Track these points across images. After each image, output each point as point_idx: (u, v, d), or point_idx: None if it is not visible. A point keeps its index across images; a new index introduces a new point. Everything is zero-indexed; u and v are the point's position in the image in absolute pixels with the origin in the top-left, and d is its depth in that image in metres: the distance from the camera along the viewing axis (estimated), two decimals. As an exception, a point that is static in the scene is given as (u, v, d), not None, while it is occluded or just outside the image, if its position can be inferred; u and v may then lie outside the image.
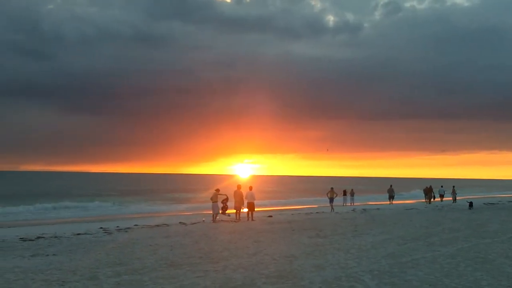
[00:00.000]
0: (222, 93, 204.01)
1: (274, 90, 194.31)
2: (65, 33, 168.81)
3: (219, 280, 10.05)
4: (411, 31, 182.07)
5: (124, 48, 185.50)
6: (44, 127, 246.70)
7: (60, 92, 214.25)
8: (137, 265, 11.99)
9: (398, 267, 11.46)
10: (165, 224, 24.71)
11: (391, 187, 49.94)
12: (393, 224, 22.76)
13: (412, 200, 57.53)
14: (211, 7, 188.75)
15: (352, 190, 48.49)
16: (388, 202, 48.13)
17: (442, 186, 51.86)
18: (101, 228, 23.03)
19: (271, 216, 29.36)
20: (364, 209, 36.20)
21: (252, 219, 26.48)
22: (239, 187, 27.74)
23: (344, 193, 47.54)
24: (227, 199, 27.23)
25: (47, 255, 14.37)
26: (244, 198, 27.34)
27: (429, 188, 49.00)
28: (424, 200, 49.45)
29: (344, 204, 45.96)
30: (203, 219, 26.92)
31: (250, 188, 28.29)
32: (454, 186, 51.73)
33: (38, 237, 19.27)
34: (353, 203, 46.77)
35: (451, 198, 49.31)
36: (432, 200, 48.32)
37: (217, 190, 27.33)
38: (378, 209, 36.81)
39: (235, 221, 25.94)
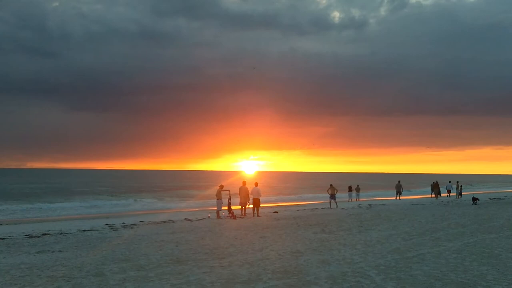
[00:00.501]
0: (228, 89, 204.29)
1: (279, 86, 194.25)
2: (71, 31, 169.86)
3: (225, 276, 10.06)
4: (417, 27, 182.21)
5: (130, 45, 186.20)
6: (50, 124, 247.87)
7: (66, 89, 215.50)
8: (143, 261, 12.00)
9: (404, 262, 11.44)
10: (170, 221, 24.74)
11: (399, 183, 49.85)
12: (399, 219, 22.73)
13: (420, 195, 57.35)
14: (216, 3, 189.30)
15: (357, 186, 48.51)
16: (395, 198, 48.08)
17: (449, 182, 51.78)
18: (107, 224, 23.08)
19: (276, 212, 29.41)
20: (370, 205, 36.20)
21: (258, 215, 26.50)
22: (244, 183, 27.75)
23: (350, 189, 47.58)
24: (229, 197, 27.04)
25: (53, 251, 14.40)
26: (249, 194, 27.36)
27: (436, 184, 48.94)
28: (431, 196, 49.39)
29: (350, 200, 46.00)
30: (209, 215, 26.94)
31: (256, 184, 28.31)
32: (458, 181, 51.67)
33: (44, 234, 19.32)
34: (359, 199, 46.79)
35: (455, 194, 49.26)
36: (439, 195, 48.26)
37: (221, 186, 27.32)
38: (383, 204, 36.77)
39: (240, 217, 25.95)
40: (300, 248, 13.82)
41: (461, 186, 51.05)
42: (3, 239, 17.92)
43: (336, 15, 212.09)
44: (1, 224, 25.70)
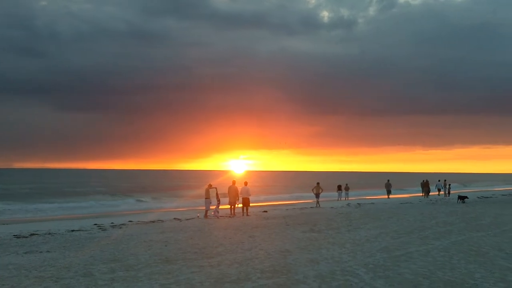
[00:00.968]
0: (217, 89, 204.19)
1: (269, 86, 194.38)
2: (60, 30, 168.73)
3: (214, 275, 10.06)
4: (405, 26, 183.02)
5: (120, 45, 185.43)
6: (39, 124, 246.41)
7: (54, 89, 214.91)
8: (132, 261, 11.97)
9: (392, 260, 11.50)
10: (159, 220, 24.70)
11: (388, 182, 50.09)
12: (387, 218, 22.82)
13: (411, 194, 57.58)
14: (206, 3, 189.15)
15: (346, 185, 48.59)
16: (386, 197, 48.29)
17: (439, 181, 52.03)
18: (96, 224, 22.99)
19: (266, 211, 29.42)
20: (359, 204, 36.32)
21: (247, 214, 26.51)
22: (233, 182, 27.77)
23: (339, 188, 47.71)
24: (217, 196, 26.89)
25: (41, 252, 14.33)
26: (239, 193, 27.36)
27: (426, 182, 49.17)
28: (421, 194, 49.60)
29: (339, 199, 46.15)
30: (198, 214, 26.90)
31: (245, 183, 28.31)
32: (446, 180, 51.96)
33: (32, 234, 19.22)
34: (348, 198, 46.91)
35: (446, 192, 49.53)
36: (429, 194, 48.46)
37: (209, 185, 27.23)
38: (372, 203, 36.89)
39: (229, 216, 25.95)
40: (289, 247, 13.84)
41: (449, 184, 51.40)
42: (-10, 239, 17.83)
43: (325, 14, 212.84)
44: (-11, 225, 25.54)
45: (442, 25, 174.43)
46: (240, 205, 27.40)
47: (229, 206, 27.51)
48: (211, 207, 26.40)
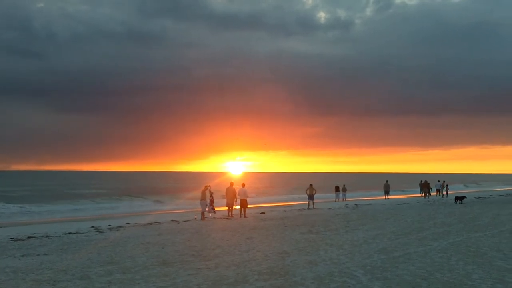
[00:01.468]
0: (215, 90, 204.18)
1: (266, 87, 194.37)
2: (56, 31, 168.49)
3: (211, 278, 10.02)
4: (402, 27, 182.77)
5: (116, 46, 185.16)
6: (36, 126, 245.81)
7: (51, 90, 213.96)
8: (129, 264, 11.93)
9: (390, 262, 11.48)
10: (157, 222, 24.65)
11: (386, 183, 50.23)
12: (385, 219, 22.82)
13: (409, 195, 57.59)
14: (202, 4, 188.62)
15: (344, 186, 48.63)
16: (384, 197, 48.37)
17: (438, 181, 52.05)
18: (93, 227, 22.95)
19: (263, 213, 29.41)
20: (356, 205, 36.35)
21: (245, 216, 26.49)
22: (231, 184, 27.74)
23: (336, 189, 47.75)
24: (211, 197, 26.83)
25: (38, 254, 14.30)
26: (237, 195, 27.34)
27: (425, 183, 49.18)
28: (420, 195, 49.61)
29: (336, 200, 46.19)
30: (195, 216, 26.85)
31: (243, 185, 28.31)
32: (444, 181, 52.04)
33: (29, 237, 19.17)
34: (345, 199, 46.95)
35: (444, 193, 49.61)
36: (428, 195, 48.45)
37: (205, 187, 27.20)
38: (370, 204, 36.94)
39: (227, 218, 25.93)
40: (287, 249, 13.82)
41: (447, 185, 51.45)
42: (-13, 242, 17.78)
43: (322, 15, 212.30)
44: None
45: (439, 25, 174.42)
46: (238, 207, 27.39)
47: (226, 208, 27.47)
48: (206, 209, 26.39)
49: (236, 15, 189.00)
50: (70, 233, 20.27)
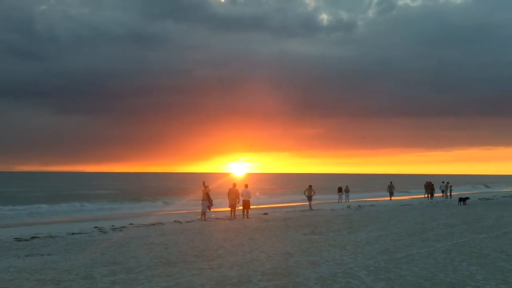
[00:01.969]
0: (217, 92, 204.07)
1: (269, 88, 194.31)
2: (58, 34, 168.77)
3: (214, 278, 10.04)
4: (405, 29, 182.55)
5: (118, 48, 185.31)
6: (38, 127, 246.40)
7: (54, 92, 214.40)
8: (133, 264, 11.95)
9: (393, 262, 11.48)
10: (160, 223, 24.66)
11: (391, 184, 50.21)
12: (388, 220, 22.81)
13: (413, 196, 57.52)
14: (205, 6, 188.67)
15: (347, 187, 48.59)
16: (388, 198, 48.37)
17: (443, 182, 51.96)
18: (96, 227, 22.97)
19: (266, 214, 29.41)
20: (359, 206, 36.28)
21: (248, 217, 26.49)
22: (234, 185, 27.75)
23: (339, 190, 47.70)
24: (209, 197, 26.82)
25: (42, 254, 14.32)
26: (239, 196, 27.34)
27: (430, 184, 49.10)
28: (424, 196, 49.52)
29: (339, 201, 46.12)
30: (198, 217, 26.84)
31: (246, 186, 28.32)
32: (448, 182, 51.96)
33: (33, 237, 19.21)
34: (348, 200, 46.90)
35: (448, 194, 49.55)
36: (432, 196, 48.37)
37: (206, 187, 27.25)
38: (373, 205, 36.89)
39: (230, 219, 25.95)
40: (290, 250, 13.82)
41: (451, 186, 51.40)
42: (-9, 242, 17.82)
43: (324, 17, 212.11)
44: (-11, 228, 25.53)
45: (442, 27, 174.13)
46: (241, 208, 27.39)
47: (229, 209, 27.47)
48: (208, 210, 26.46)
49: (238, 17, 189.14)
50: (73, 234, 20.30)
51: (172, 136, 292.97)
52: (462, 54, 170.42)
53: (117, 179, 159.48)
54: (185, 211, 36.04)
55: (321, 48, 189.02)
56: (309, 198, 34.56)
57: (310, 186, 35.46)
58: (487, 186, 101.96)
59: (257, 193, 57.41)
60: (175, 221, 25.74)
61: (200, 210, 26.70)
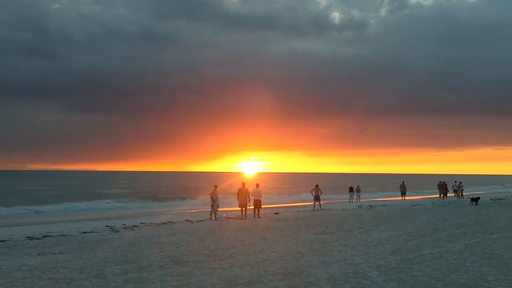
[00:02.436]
0: (228, 91, 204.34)
1: (279, 87, 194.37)
2: (71, 32, 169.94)
3: (226, 277, 10.05)
4: (417, 27, 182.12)
5: (130, 46, 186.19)
6: (51, 126, 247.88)
7: (66, 90, 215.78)
8: (144, 263, 12.00)
9: (405, 263, 11.43)
10: (171, 222, 24.73)
11: (403, 183, 50.06)
12: (400, 220, 22.73)
13: (425, 196, 57.31)
14: (216, 5, 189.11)
15: (358, 187, 48.48)
16: (400, 198, 48.22)
17: (455, 182, 51.71)
18: (108, 226, 23.07)
19: (277, 213, 29.40)
20: (371, 206, 36.18)
21: (259, 216, 26.50)
22: (243, 184, 27.71)
23: (350, 190, 47.60)
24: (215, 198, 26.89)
25: (54, 253, 14.40)
26: (250, 195, 27.33)
27: (443, 184, 48.86)
28: (437, 196, 49.30)
29: (351, 201, 46.03)
30: (209, 217, 26.81)
31: (257, 185, 28.29)
32: (461, 182, 51.73)
33: (45, 236, 19.33)
34: (359, 199, 46.79)
35: (460, 194, 49.33)
36: (446, 196, 48.12)
37: (215, 187, 27.40)
38: (384, 205, 36.76)
39: (241, 218, 25.97)
40: (301, 249, 13.81)
41: (462, 186, 51.16)
42: (4, 241, 17.94)
43: (336, 15, 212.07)
44: (2, 226, 25.72)
45: (454, 26, 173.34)
46: (252, 207, 27.39)
47: (239, 208, 27.46)
48: (219, 209, 26.56)
49: (250, 16, 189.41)
50: (85, 232, 20.39)
51: (183, 135, 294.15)
52: (474, 53, 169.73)
53: (128, 178, 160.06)
54: (196, 211, 36.12)
55: (332, 47, 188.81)
56: (317, 198, 34.27)
57: (317, 186, 35.08)
58: (505, 186, 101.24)
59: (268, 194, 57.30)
60: (186, 220, 25.81)
61: (210, 210, 26.75)
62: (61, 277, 10.37)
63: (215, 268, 11.15)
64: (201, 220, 25.46)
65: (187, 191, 75.34)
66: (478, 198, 36.61)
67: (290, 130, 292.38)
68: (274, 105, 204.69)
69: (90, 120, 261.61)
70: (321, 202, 34.27)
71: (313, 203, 34.17)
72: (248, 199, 27.29)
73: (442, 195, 47.82)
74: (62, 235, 19.47)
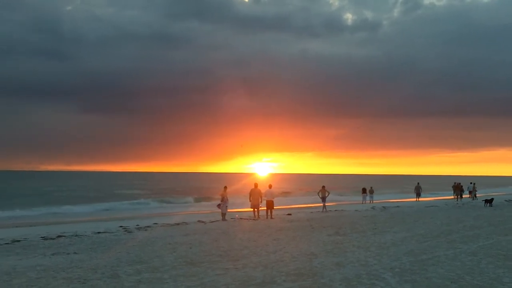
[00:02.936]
0: (240, 92, 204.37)
1: (292, 89, 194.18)
2: (84, 34, 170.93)
3: (239, 278, 10.05)
4: (430, 28, 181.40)
5: (142, 48, 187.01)
6: (63, 127, 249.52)
7: (79, 92, 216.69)
8: (157, 263, 12.03)
9: (419, 264, 11.37)
10: (184, 223, 24.79)
11: (418, 185, 49.88)
12: (413, 221, 22.61)
13: (439, 197, 57.05)
14: (228, 6, 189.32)
15: (371, 188, 48.35)
16: (415, 199, 48.05)
17: (471, 183, 51.44)
18: (121, 226, 23.17)
19: (290, 214, 29.35)
20: (384, 207, 36.02)
21: (271, 217, 26.47)
22: (256, 185, 27.67)
23: (364, 191, 47.51)
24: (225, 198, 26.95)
25: (68, 253, 14.49)
26: (263, 196, 27.30)
27: (458, 185, 48.61)
28: (453, 197, 49.05)
29: (364, 202, 45.91)
30: (237, 215, 26.74)
31: (270, 186, 28.25)
32: (474, 183, 51.43)
33: (59, 236, 19.46)
34: (372, 201, 46.66)
35: (473, 195, 49.06)
36: (460, 197, 47.87)
37: (225, 188, 27.48)
38: (398, 206, 36.60)
39: (253, 219, 25.97)
40: (314, 250, 13.79)
41: (476, 187, 50.87)
42: (19, 241, 18.10)
43: (349, 17, 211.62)
44: (17, 227, 25.95)
45: (467, 27, 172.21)
46: (264, 208, 27.37)
47: (252, 209, 27.43)
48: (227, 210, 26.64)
49: (262, 17, 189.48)
50: (99, 233, 20.50)
51: (196, 136, 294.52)
52: (488, 54, 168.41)
53: (141, 179, 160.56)
54: (209, 211, 36.14)
55: (345, 48, 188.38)
56: (323, 199, 34.04)
57: (323, 187, 34.83)
58: None
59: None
60: (199, 221, 25.85)
61: (220, 211, 26.81)
62: (75, 277, 10.43)
63: (228, 268, 11.16)
64: (214, 221, 25.49)
65: (200, 192, 75.48)
66: (492, 199, 36.34)
67: (303, 131, 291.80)
68: (286, 106, 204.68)
69: (103, 121, 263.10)
70: (326, 204, 33.99)
71: (321, 204, 33.90)
72: (260, 200, 27.26)
73: (457, 197, 47.57)
74: (76, 235, 19.59)
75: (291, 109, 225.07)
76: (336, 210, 33.03)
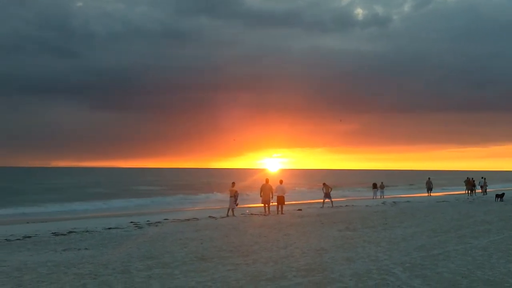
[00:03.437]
0: (250, 88, 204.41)
1: (302, 84, 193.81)
2: (94, 30, 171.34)
3: (250, 273, 10.07)
4: (441, 23, 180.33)
5: (152, 44, 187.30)
6: (74, 123, 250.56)
7: (89, 88, 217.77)
8: (168, 259, 12.07)
9: (429, 259, 11.35)
10: (194, 218, 24.84)
11: (429, 180, 49.72)
12: (424, 216, 22.54)
13: (450, 192, 56.83)
14: (238, 2, 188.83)
15: (382, 183, 48.23)
16: (426, 194, 47.92)
17: (482, 178, 51.20)
18: (132, 222, 23.24)
19: (300, 210, 29.29)
20: (394, 202, 35.92)
21: (282, 213, 26.47)
22: (267, 181, 27.65)
23: (374, 186, 47.43)
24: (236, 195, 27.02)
25: (79, 249, 14.56)
26: (274, 192, 27.28)
27: (471, 180, 48.40)
28: (465, 192, 48.85)
29: (374, 197, 45.82)
30: (247, 211, 26.78)
31: (281, 181, 28.20)
32: (485, 178, 51.17)
33: (70, 232, 19.54)
34: (383, 196, 46.57)
35: (484, 190, 48.84)
36: (472, 192, 47.66)
37: (233, 183, 27.52)
38: (408, 201, 36.51)
39: (264, 215, 25.98)
40: (325, 246, 13.78)
41: (486, 182, 50.64)
42: (30, 237, 18.20)
43: (359, 12, 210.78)
44: (28, 222, 26.07)
45: (478, 22, 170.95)
46: (275, 204, 27.36)
47: (262, 205, 27.46)
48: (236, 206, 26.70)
49: (272, 13, 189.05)
50: (109, 228, 20.58)
51: (206, 132, 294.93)
52: (498, 49, 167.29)
53: (152, 175, 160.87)
54: (219, 207, 36.12)
55: (355, 43, 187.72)
56: (327, 195, 33.77)
57: (325, 184, 34.58)
58: None
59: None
60: (209, 216, 25.86)
61: (228, 206, 26.88)
62: (86, 273, 10.48)
63: (239, 264, 11.18)
64: (224, 217, 25.51)
65: (210, 188, 75.55)
66: (503, 194, 36.18)
67: (314, 127, 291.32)
68: (297, 102, 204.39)
69: (114, 117, 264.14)
70: (326, 200, 33.66)
71: (328, 200, 33.65)
72: (271, 196, 27.24)
73: (469, 192, 47.37)
74: (87, 231, 19.68)
75: (301, 104, 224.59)
76: (346, 206, 32.98)
